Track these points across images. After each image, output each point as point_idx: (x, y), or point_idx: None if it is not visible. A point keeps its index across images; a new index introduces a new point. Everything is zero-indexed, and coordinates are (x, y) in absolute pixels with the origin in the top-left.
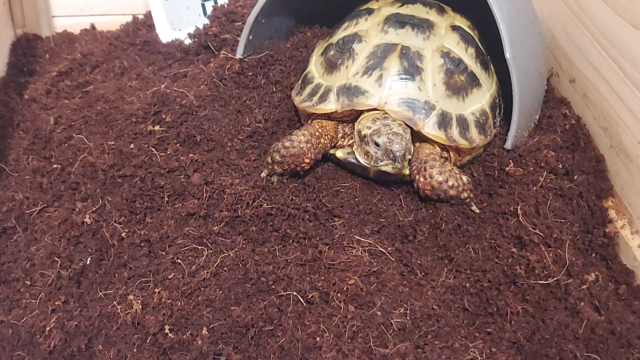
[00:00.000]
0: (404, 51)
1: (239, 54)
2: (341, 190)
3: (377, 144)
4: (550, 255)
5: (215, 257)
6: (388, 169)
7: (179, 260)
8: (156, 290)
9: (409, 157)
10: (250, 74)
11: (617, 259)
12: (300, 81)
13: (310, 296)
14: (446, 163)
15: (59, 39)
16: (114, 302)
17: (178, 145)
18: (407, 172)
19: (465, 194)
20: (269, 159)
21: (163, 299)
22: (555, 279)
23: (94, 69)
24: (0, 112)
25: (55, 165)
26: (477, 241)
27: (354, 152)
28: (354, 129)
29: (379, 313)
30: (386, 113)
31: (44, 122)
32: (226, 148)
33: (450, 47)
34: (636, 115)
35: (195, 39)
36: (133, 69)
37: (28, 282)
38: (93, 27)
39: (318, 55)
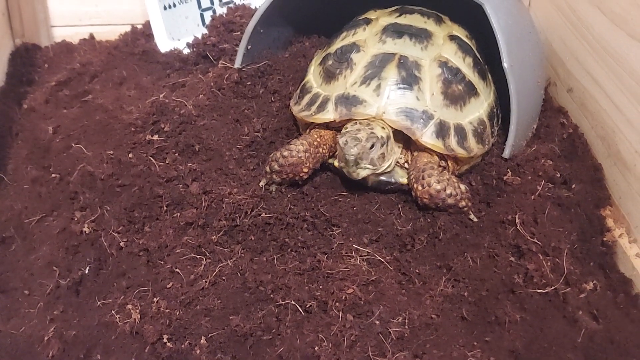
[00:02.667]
0: (402, 61)
1: (237, 64)
2: (339, 199)
3: (339, 145)
4: (549, 264)
5: (213, 266)
6: (346, 172)
7: (177, 270)
8: (155, 299)
9: (370, 167)
10: (248, 83)
11: (615, 267)
12: (298, 91)
13: (308, 305)
14: (444, 172)
15: (57, 49)
16: (113, 312)
17: (177, 154)
18: (405, 180)
19: (464, 203)
20: (268, 168)
21: (161, 309)
22: (553, 287)
23: (92, 78)
24: None
25: (54, 175)
26: (476, 250)
27: None
28: None
29: (378, 322)
30: (373, 120)
31: (43, 131)
32: (225, 157)
33: (448, 56)
34: (633, 125)
35: (194, 49)
36: (132, 78)
37: (26, 292)
38: (92, 37)
39: (316, 65)
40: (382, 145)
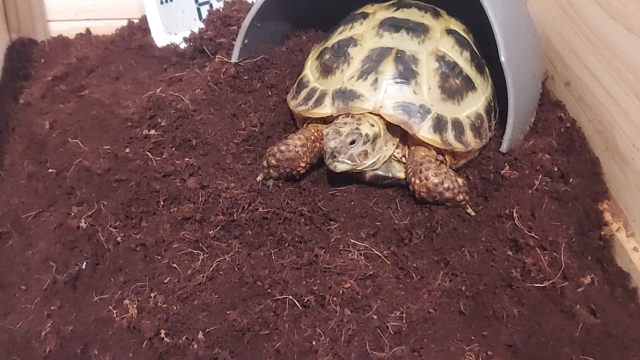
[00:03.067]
0: (399, 55)
1: (234, 58)
2: (337, 193)
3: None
4: (546, 258)
5: (211, 261)
6: (326, 163)
7: (174, 265)
8: (152, 294)
9: (348, 162)
10: (245, 77)
11: (613, 261)
12: (295, 85)
13: (306, 300)
14: (442, 165)
15: (54, 44)
16: (110, 307)
17: (173, 149)
18: (402, 175)
19: (461, 197)
20: (265, 163)
21: (159, 304)
22: (551, 281)
23: (89, 73)
24: None
25: (50, 170)
26: (473, 244)
27: None
28: None
29: (375, 316)
30: (365, 116)
31: (40, 126)
32: (222, 152)
33: (445, 50)
34: (631, 118)
35: (191, 43)
36: (128, 73)
37: (23, 287)
38: (88, 31)
39: (313, 59)
40: (365, 143)
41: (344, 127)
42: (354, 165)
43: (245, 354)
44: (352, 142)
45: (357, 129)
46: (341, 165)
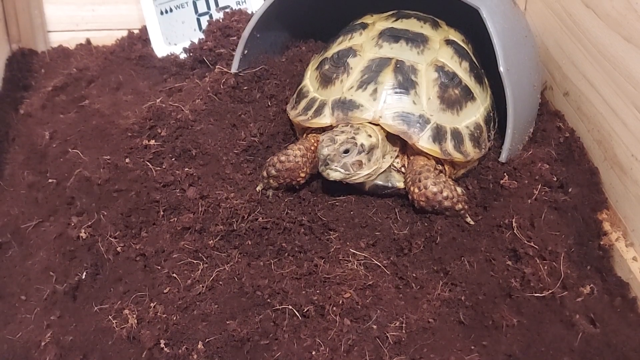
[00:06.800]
0: (398, 65)
1: (234, 69)
2: (336, 203)
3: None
4: (545, 267)
5: (210, 271)
6: (321, 170)
7: (174, 275)
8: (151, 304)
9: (341, 170)
10: (245, 88)
11: (612, 271)
12: (295, 95)
13: (305, 310)
14: (441, 175)
15: (54, 54)
16: (110, 317)
17: (173, 159)
18: (402, 185)
19: (460, 206)
20: (265, 173)
21: (158, 314)
22: (550, 291)
23: (89, 83)
24: None
25: (50, 180)
26: (472, 254)
27: None
28: None
29: (375, 326)
30: (364, 126)
31: (40, 136)
32: (221, 162)
33: (445, 61)
34: (629, 128)
35: (191, 54)
36: (128, 83)
37: (23, 297)
38: (88, 42)
39: (313, 70)
40: (359, 153)
41: (340, 136)
42: (348, 174)
43: None
44: (346, 151)
45: (353, 138)
46: (334, 174)
